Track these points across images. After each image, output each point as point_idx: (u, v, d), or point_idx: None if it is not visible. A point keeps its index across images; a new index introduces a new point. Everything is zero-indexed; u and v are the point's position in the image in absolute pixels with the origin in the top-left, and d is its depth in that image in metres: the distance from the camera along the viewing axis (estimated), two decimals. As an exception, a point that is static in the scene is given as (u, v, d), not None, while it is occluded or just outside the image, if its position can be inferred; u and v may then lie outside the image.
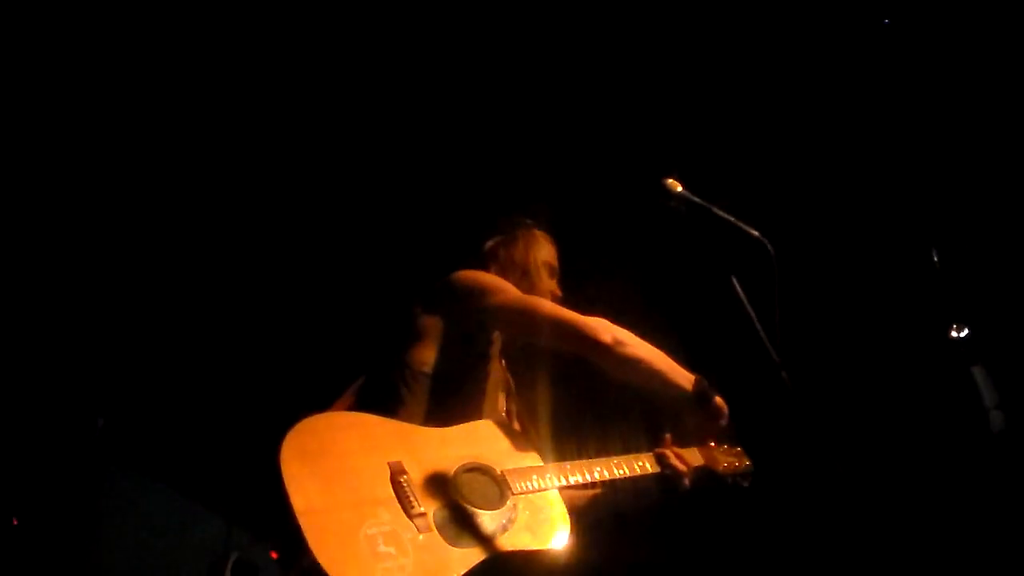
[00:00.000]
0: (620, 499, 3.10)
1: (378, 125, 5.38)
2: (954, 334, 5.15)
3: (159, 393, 5.07)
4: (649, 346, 2.89)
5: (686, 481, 3.00)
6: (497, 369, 3.11)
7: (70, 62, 4.80)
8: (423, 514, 2.54)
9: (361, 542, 2.40)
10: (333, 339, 5.06)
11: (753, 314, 2.61)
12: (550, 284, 3.34)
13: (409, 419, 2.82)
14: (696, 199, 2.75)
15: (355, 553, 2.38)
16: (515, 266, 3.30)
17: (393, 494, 2.54)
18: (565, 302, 3.21)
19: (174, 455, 4.79)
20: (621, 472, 2.97)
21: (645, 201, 2.84)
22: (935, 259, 5.19)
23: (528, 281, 3.25)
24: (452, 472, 2.69)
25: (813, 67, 5.31)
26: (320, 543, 2.34)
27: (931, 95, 5.19)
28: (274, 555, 4.41)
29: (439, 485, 2.64)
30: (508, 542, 2.63)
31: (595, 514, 3.06)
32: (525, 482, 2.78)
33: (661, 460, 3.01)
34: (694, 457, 3.10)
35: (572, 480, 2.88)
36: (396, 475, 2.58)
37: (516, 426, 3.17)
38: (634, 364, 2.84)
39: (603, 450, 3.03)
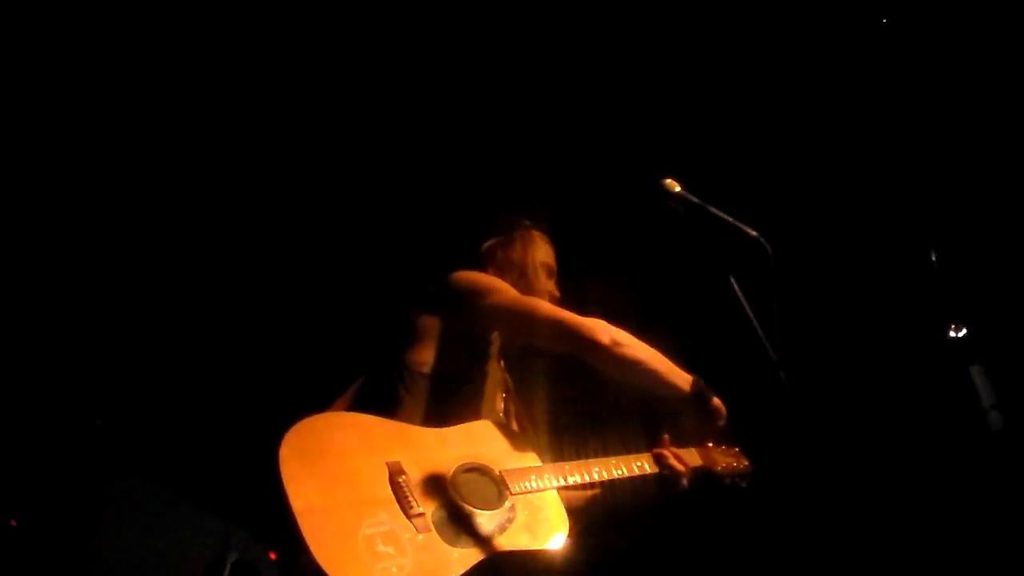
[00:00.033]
0: (618, 499, 3.10)
1: (376, 126, 5.38)
2: (952, 334, 5.15)
3: (157, 393, 5.06)
4: (647, 347, 2.89)
5: (684, 481, 3.01)
6: (496, 369, 3.12)
7: (70, 62, 4.80)
8: (422, 514, 2.54)
9: (360, 542, 2.41)
10: (332, 340, 5.06)
11: (751, 314, 2.61)
12: (548, 285, 3.34)
13: (408, 420, 2.82)
14: (694, 199, 2.75)
15: (354, 553, 2.38)
16: (513, 267, 3.30)
17: (392, 494, 2.54)
18: (563, 302, 3.21)
19: (172, 455, 4.79)
20: (619, 472, 2.97)
21: (643, 201, 2.85)
22: (933, 259, 5.19)
23: (526, 282, 3.26)
24: (451, 472, 2.69)
25: (811, 67, 5.32)
26: (319, 543, 2.34)
27: (929, 95, 5.19)
28: (273, 555, 4.41)
29: (438, 485, 2.64)
30: (506, 542, 2.63)
31: (593, 514, 3.06)
32: (523, 482, 2.78)
33: (659, 460, 3.01)
34: (692, 457, 3.10)
35: (570, 480, 2.89)
36: (395, 475, 2.58)
37: (514, 426, 3.17)
38: (632, 365, 2.84)
39: (601, 450, 3.03)
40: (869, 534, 2.51)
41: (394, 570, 2.40)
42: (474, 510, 2.64)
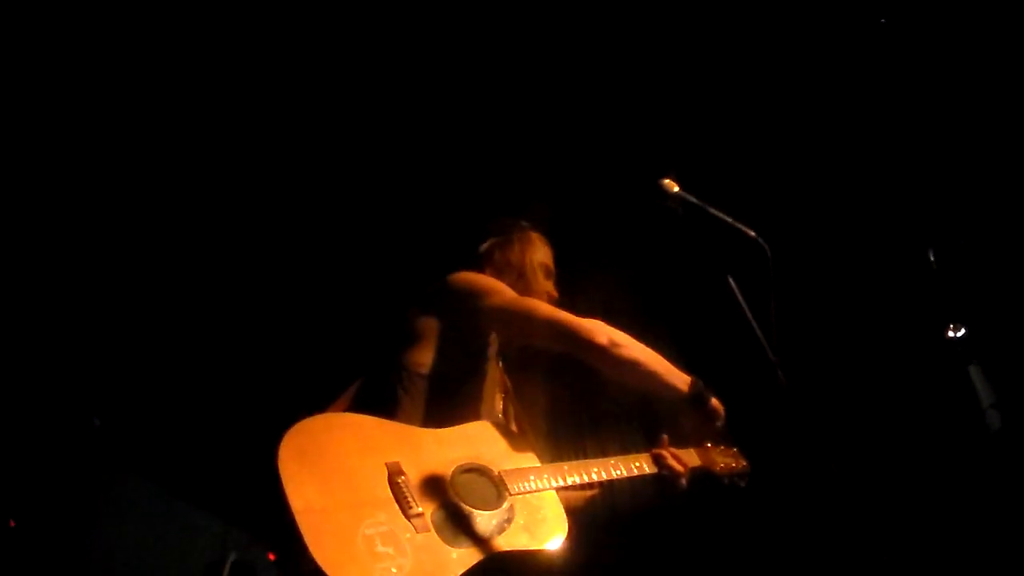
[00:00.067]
0: (617, 500, 3.10)
1: (374, 128, 5.37)
2: (951, 334, 5.16)
3: (156, 394, 5.06)
4: (645, 348, 2.89)
5: (683, 482, 3.01)
6: (494, 370, 3.11)
7: (70, 62, 4.80)
8: (421, 514, 2.54)
9: (359, 542, 2.41)
10: (331, 341, 5.06)
11: (750, 314, 2.62)
12: (546, 285, 3.34)
13: (407, 421, 2.82)
14: (692, 199, 2.75)
15: (353, 553, 2.38)
16: (511, 268, 3.30)
17: (391, 495, 2.54)
18: (561, 303, 3.22)
19: (171, 456, 4.79)
20: (618, 473, 2.97)
21: (642, 201, 2.85)
22: (932, 259, 5.20)
23: (524, 282, 3.26)
24: (449, 473, 2.69)
25: (809, 67, 5.32)
26: (318, 543, 2.34)
27: (927, 95, 5.19)
28: (271, 556, 4.41)
29: (436, 486, 2.64)
30: (505, 542, 2.63)
31: (592, 515, 3.06)
32: (522, 483, 2.78)
33: (658, 461, 3.01)
34: (691, 458, 3.10)
35: (569, 481, 2.88)
36: (394, 476, 2.58)
37: (513, 427, 3.17)
38: (630, 366, 2.84)
39: (600, 451, 3.03)
40: (868, 534, 2.51)
41: (393, 570, 2.40)
42: (473, 510, 2.64)
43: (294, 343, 5.25)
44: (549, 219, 3.55)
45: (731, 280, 2.68)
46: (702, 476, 3.15)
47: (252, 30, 4.99)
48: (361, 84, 5.29)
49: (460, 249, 3.40)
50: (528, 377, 3.41)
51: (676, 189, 2.77)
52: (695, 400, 2.82)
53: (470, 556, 2.55)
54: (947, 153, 5.23)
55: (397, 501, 2.54)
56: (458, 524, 2.60)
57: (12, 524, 4.22)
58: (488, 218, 3.51)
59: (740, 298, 2.65)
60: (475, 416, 2.96)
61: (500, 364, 3.21)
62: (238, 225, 5.31)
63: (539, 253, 3.39)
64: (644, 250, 5.18)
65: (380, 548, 2.42)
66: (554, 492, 2.85)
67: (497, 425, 2.98)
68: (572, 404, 4.13)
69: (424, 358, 2.95)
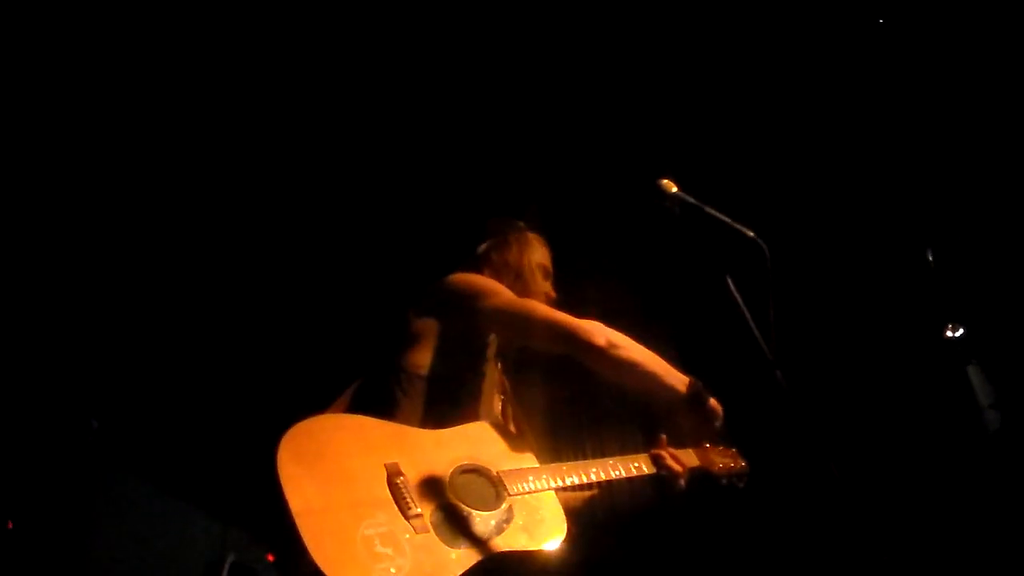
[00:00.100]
0: (616, 500, 3.10)
1: (372, 129, 5.37)
2: (949, 334, 5.16)
3: (154, 395, 5.06)
4: (643, 348, 2.88)
5: (682, 482, 3.01)
6: (493, 371, 3.12)
7: (70, 62, 4.80)
8: (420, 515, 2.54)
9: (358, 543, 2.41)
10: (329, 342, 5.06)
11: (748, 314, 2.62)
12: (544, 286, 3.34)
13: (405, 422, 2.82)
14: (691, 199, 2.75)
15: (352, 554, 2.38)
16: (509, 269, 3.30)
17: (390, 495, 2.55)
18: (559, 304, 3.22)
19: (170, 457, 4.79)
20: (617, 473, 2.97)
21: (640, 202, 2.84)
22: (930, 259, 5.20)
23: (522, 283, 3.26)
24: (448, 473, 2.69)
25: (807, 67, 5.32)
26: (317, 544, 2.34)
27: (925, 95, 5.20)
28: (270, 557, 4.40)
29: (435, 486, 2.64)
30: (504, 543, 2.64)
31: (591, 515, 3.06)
32: (521, 483, 2.79)
33: (657, 461, 3.01)
34: (690, 458, 3.10)
35: (568, 481, 2.89)
36: (393, 476, 2.58)
37: (512, 428, 3.17)
38: (628, 367, 2.84)
39: (599, 451, 3.04)
40: (867, 534, 2.51)
41: (392, 570, 2.40)
42: (472, 511, 2.65)
43: (293, 344, 5.25)
44: (547, 220, 3.55)
45: (729, 280, 2.68)
46: (701, 476, 3.15)
47: (251, 30, 4.99)
48: (359, 85, 5.29)
49: (458, 250, 3.40)
50: (527, 378, 3.41)
51: (674, 189, 2.76)
52: (693, 401, 2.82)
53: (469, 557, 2.55)
54: (945, 153, 5.23)
55: (396, 502, 2.54)
56: (457, 525, 2.60)
57: (10, 526, 4.21)
58: (486, 219, 3.51)
59: (738, 298, 2.65)
60: (474, 417, 2.96)
61: (499, 365, 3.21)
62: (237, 226, 5.31)
63: (537, 254, 3.39)
64: (642, 251, 5.17)
65: (379, 548, 2.42)
66: (553, 493, 2.85)
67: (496, 426, 2.98)
68: (571, 405, 4.14)
69: (422, 359, 2.96)
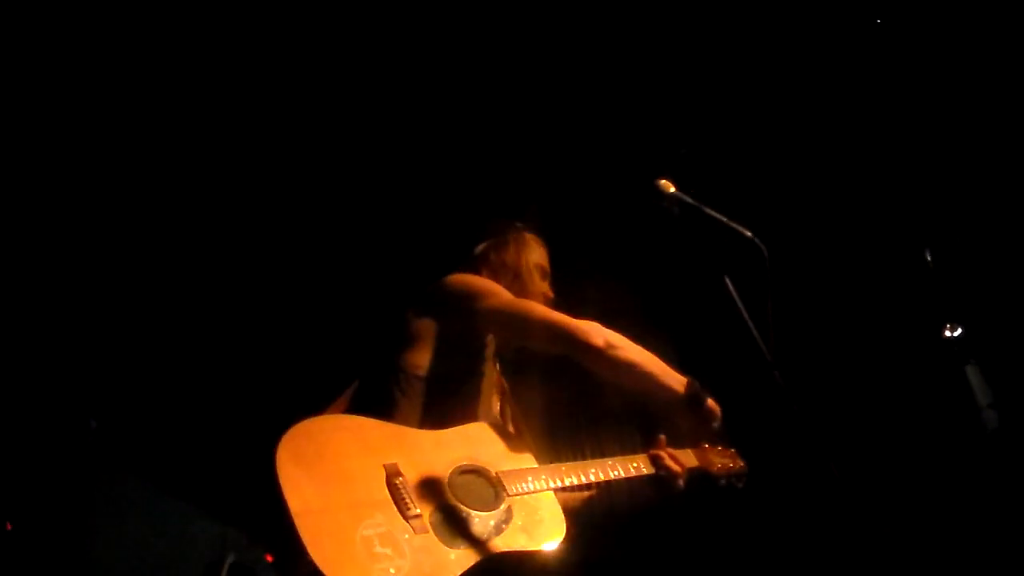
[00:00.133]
0: (615, 500, 3.11)
1: (370, 130, 5.37)
2: (948, 333, 5.16)
3: (153, 396, 5.06)
4: (641, 349, 2.88)
5: (680, 482, 3.01)
6: (491, 372, 3.12)
7: (70, 62, 4.80)
8: (419, 515, 2.54)
9: (358, 543, 2.41)
10: (328, 343, 5.06)
11: (746, 314, 2.62)
12: (542, 286, 3.35)
13: (404, 422, 2.83)
14: (689, 199, 2.75)
15: (352, 554, 2.38)
16: (506, 269, 3.31)
17: (389, 496, 2.55)
18: (557, 304, 3.22)
19: (169, 458, 4.78)
20: (616, 474, 2.98)
21: (638, 202, 2.85)
22: (928, 259, 5.20)
23: (520, 284, 3.26)
24: (447, 474, 2.70)
25: (805, 67, 5.32)
26: (316, 544, 2.35)
27: (923, 95, 5.20)
28: (269, 558, 4.40)
29: (434, 487, 2.64)
30: (503, 543, 2.64)
31: (590, 515, 3.07)
32: (520, 484, 2.79)
33: (656, 461, 3.01)
34: (688, 459, 3.11)
35: (567, 482, 2.89)
36: (392, 477, 2.58)
37: (511, 428, 3.17)
38: (626, 367, 2.84)
39: (598, 452, 3.04)
40: (866, 534, 2.51)
41: (392, 571, 2.40)
42: (471, 511, 2.65)
43: (292, 345, 5.25)
44: (545, 220, 3.56)
45: (727, 280, 2.68)
46: (699, 477, 3.15)
47: (250, 30, 4.99)
48: (357, 86, 5.29)
49: (456, 251, 3.40)
50: (525, 378, 3.42)
51: (672, 190, 2.77)
52: (691, 401, 2.82)
53: (468, 557, 2.55)
54: (943, 153, 5.23)
55: (395, 502, 2.54)
56: (456, 525, 2.60)
57: (9, 527, 4.21)
58: (484, 219, 3.51)
59: (736, 298, 2.65)
60: (472, 417, 2.96)
61: (497, 365, 3.22)
62: (235, 226, 5.30)
63: (534, 254, 3.39)
64: (640, 251, 5.17)
65: (378, 549, 2.42)
66: (552, 493, 2.85)
67: (495, 426, 2.99)
68: (569, 405, 4.13)
69: (421, 360, 2.96)
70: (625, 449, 3.06)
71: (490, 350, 3.07)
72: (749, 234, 2.67)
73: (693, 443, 3.14)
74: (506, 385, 3.32)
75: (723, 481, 3.22)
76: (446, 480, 2.68)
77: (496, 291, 3.05)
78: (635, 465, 3.01)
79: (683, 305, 5.20)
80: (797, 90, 5.37)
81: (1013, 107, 5.05)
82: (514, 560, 2.65)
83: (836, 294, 5.50)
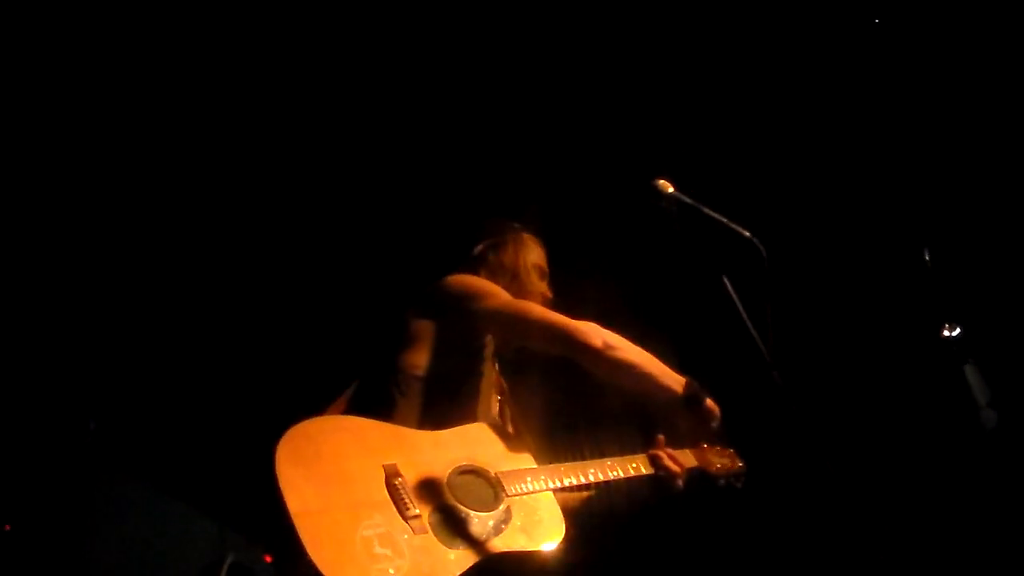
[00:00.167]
0: (614, 501, 3.11)
1: (369, 131, 5.37)
2: (946, 333, 5.16)
3: (152, 396, 5.05)
4: (639, 349, 2.89)
5: (679, 482, 3.01)
6: (490, 372, 3.12)
7: (70, 62, 4.80)
8: (418, 516, 2.54)
9: (357, 544, 2.41)
10: (327, 344, 5.06)
11: (745, 314, 2.62)
12: (540, 286, 3.35)
13: (403, 423, 2.83)
14: (687, 199, 2.75)
15: (351, 555, 2.38)
16: (505, 269, 3.31)
17: (388, 496, 2.55)
18: (556, 304, 3.22)
19: (168, 459, 4.78)
20: (615, 474, 2.98)
21: (636, 202, 2.85)
22: (927, 258, 5.20)
23: (518, 284, 3.27)
24: (446, 474, 2.70)
25: (804, 67, 5.32)
26: (316, 545, 2.35)
27: (922, 95, 5.20)
28: (268, 558, 4.40)
29: (433, 487, 2.64)
30: (502, 543, 2.64)
31: (589, 516, 3.07)
32: (519, 484, 2.79)
33: (655, 461, 3.01)
34: (687, 459, 3.11)
35: (566, 482, 2.89)
36: (391, 477, 2.58)
37: (510, 429, 3.17)
38: (624, 368, 2.84)
39: (597, 452, 3.04)
40: (865, 534, 2.51)
41: (391, 571, 2.40)
42: (470, 512, 2.65)
43: (291, 346, 5.25)
44: (543, 220, 3.56)
45: (726, 280, 2.68)
46: (698, 477, 3.15)
47: (250, 31, 4.99)
48: (356, 87, 5.29)
49: (454, 251, 3.40)
50: (524, 379, 3.42)
51: (671, 190, 2.76)
52: (690, 401, 2.82)
53: (467, 557, 2.55)
54: (942, 152, 5.23)
55: (394, 503, 2.54)
56: (455, 526, 2.60)
57: (7, 528, 4.21)
58: (482, 220, 3.51)
59: (735, 298, 2.65)
60: (471, 418, 2.96)
61: (496, 366, 3.22)
62: (235, 227, 5.31)
63: (533, 254, 3.39)
64: (639, 251, 5.17)
65: (378, 549, 2.42)
66: (551, 493, 2.85)
67: (494, 427, 2.99)
68: (568, 405, 4.13)
69: (420, 360, 2.96)
70: (624, 449, 3.06)
71: (489, 351, 3.07)
72: (748, 234, 2.67)
73: (692, 443, 3.14)
74: (505, 385, 3.32)
75: (722, 481, 3.22)
76: (445, 480, 2.68)
77: (494, 292, 3.05)
78: (634, 465, 3.01)
79: (682, 305, 5.20)
80: (795, 90, 5.38)
81: (1011, 106, 5.05)
82: (513, 560, 2.65)
83: (835, 294, 5.50)
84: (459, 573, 2.51)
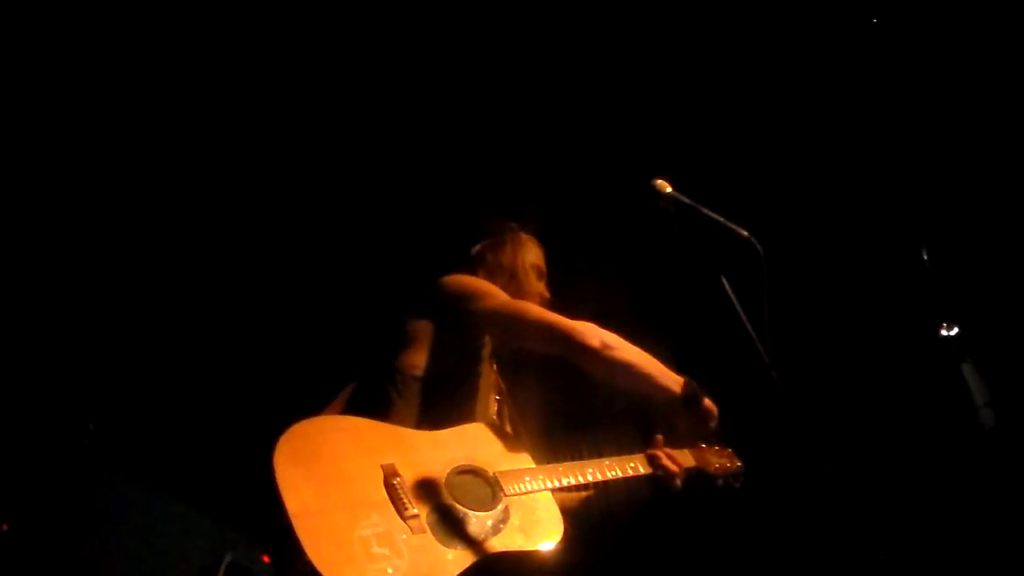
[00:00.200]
0: (612, 500, 3.10)
1: (368, 131, 5.37)
2: (944, 332, 5.17)
3: (151, 397, 5.06)
4: (637, 349, 2.89)
5: (678, 482, 3.01)
6: (488, 372, 3.12)
7: (70, 62, 4.80)
8: (416, 516, 2.54)
9: (355, 543, 2.41)
10: (325, 344, 5.06)
11: (743, 314, 2.62)
12: (538, 286, 3.35)
13: (401, 423, 2.83)
14: (685, 199, 2.75)
15: (350, 555, 2.38)
16: (503, 270, 3.31)
17: (386, 496, 2.55)
18: (554, 304, 3.22)
19: (166, 460, 4.78)
20: (613, 474, 2.98)
21: (634, 202, 2.85)
22: (925, 258, 5.21)
23: (516, 284, 3.26)
24: (445, 474, 2.69)
25: (802, 67, 5.32)
26: (314, 545, 2.35)
27: (920, 95, 5.20)
28: (266, 558, 4.40)
29: (432, 487, 2.64)
30: (501, 543, 2.64)
31: (587, 515, 3.06)
32: (517, 484, 2.79)
33: (653, 461, 3.01)
34: (686, 458, 3.11)
35: (564, 482, 2.89)
36: (389, 477, 2.58)
37: (508, 428, 3.17)
38: (622, 368, 2.84)
39: (595, 452, 3.04)
40: (864, 533, 2.51)
41: (390, 571, 2.40)
42: (468, 512, 2.65)
43: (289, 346, 5.25)
44: (541, 220, 3.56)
45: (724, 280, 2.68)
46: (697, 477, 3.15)
47: (249, 31, 4.99)
48: (355, 87, 5.29)
49: (453, 251, 3.40)
50: (522, 378, 3.42)
51: (669, 189, 2.77)
52: (688, 401, 2.83)
53: (465, 557, 2.55)
54: (940, 152, 5.24)
55: (393, 503, 2.54)
56: (453, 525, 2.60)
57: (5, 528, 4.21)
58: (480, 220, 3.51)
59: (733, 298, 2.65)
60: (470, 418, 2.96)
61: (494, 366, 3.22)
62: (234, 228, 5.31)
63: (531, 254, 3.39)
64: (637, 251, 5.17)
65: (376, 549, 2.42)
66: (549, 493, 2.85)
67: (492, 427, 2.99)
68: (567, 405, 4.13)
69: (418, 360, 2.96)
70: (622, 449, 3.06)
71: (487, 351, 3.07)
72: (746, 234, 2.67)
73: (690, 443, 3.14)
74: (503, 385, 3.32)
75: (720, 481, 3.22)
76: (443, 480, 2.68)
77: (492, 292, 3.05)
78: (632, 465, 3.01)
79: (680, 305, 5.20)
80: (793, 90, 5.38)
81: (1009, 106, 5.06)
82: (511, 560, 2.65)
83: (833, 293, 5.51)
84: (457, 573, 2.51)
